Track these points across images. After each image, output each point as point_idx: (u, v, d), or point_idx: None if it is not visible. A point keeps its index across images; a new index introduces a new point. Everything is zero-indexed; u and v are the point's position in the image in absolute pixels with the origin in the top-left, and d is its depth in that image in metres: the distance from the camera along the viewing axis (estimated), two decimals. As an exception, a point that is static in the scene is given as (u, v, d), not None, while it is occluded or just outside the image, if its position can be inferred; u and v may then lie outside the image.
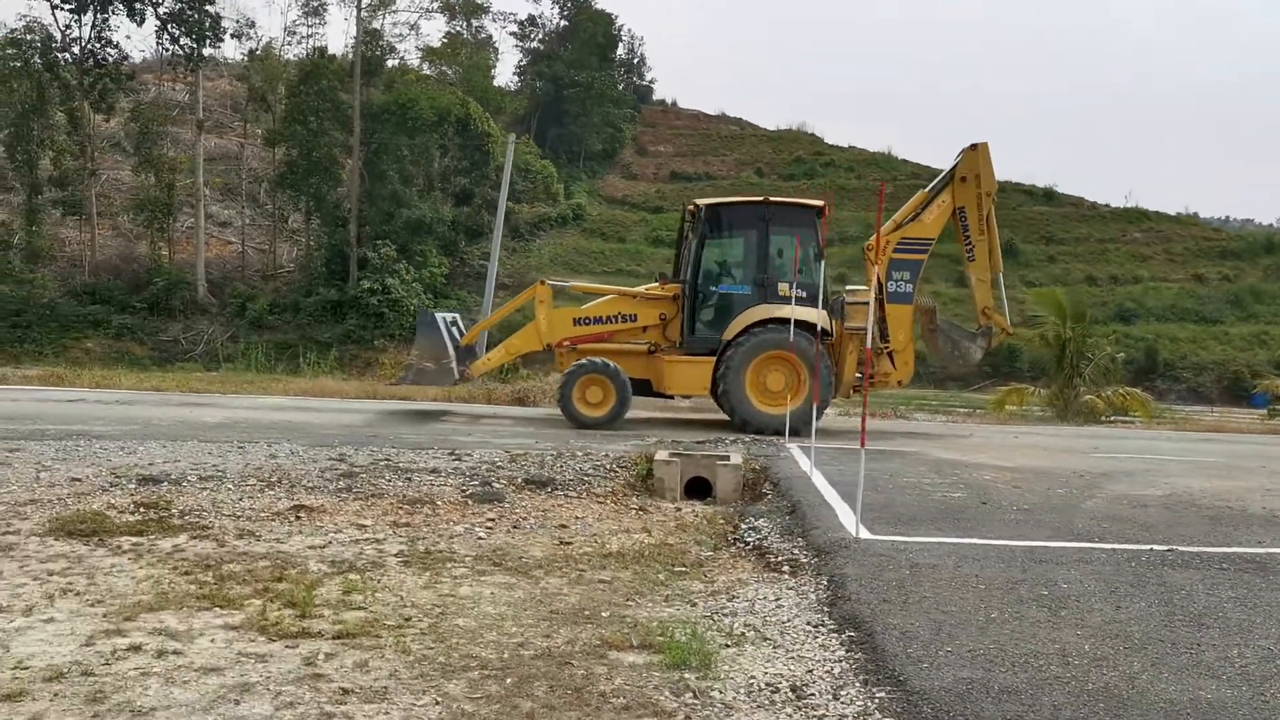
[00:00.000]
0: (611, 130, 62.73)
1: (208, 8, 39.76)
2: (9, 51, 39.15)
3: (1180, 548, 6.81)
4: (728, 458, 10.25)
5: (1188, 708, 4.05)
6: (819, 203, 14.02)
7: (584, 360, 13.36)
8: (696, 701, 4.29)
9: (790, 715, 4.13)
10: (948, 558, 6.37)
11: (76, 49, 39.99)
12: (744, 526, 7.98)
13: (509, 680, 4.48)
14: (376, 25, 48.65)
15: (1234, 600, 5.63)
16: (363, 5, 45.23)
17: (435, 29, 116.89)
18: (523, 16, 70.68)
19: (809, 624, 5.30)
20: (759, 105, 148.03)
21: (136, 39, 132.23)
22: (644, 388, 13.95)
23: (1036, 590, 5.67)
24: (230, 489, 8.37)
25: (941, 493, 8.83)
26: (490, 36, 60.26)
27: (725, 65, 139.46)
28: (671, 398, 14.24)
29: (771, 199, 14.09)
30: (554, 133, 59.81)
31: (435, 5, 52.22)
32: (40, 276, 38.17)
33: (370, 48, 45.73)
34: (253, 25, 73.30)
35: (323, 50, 47.14)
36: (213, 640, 4.86)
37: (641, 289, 14.53)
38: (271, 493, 8.35)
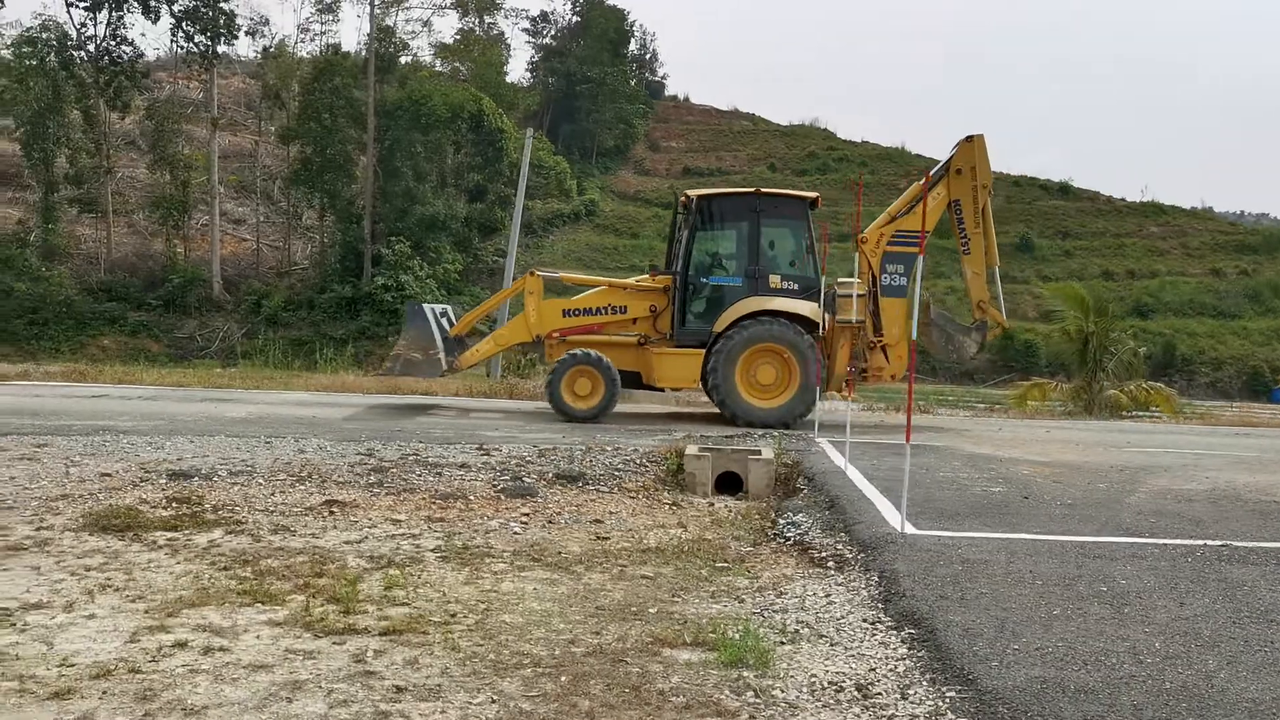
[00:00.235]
0: (624, 126, 62.66)
1: (222, 5, 39.80)
2: (25, 50, 39.23)
3: (1234, 543, 6.66)
4: (759, 452, 10.10)
5: (1272, 706, 3.91)
6: (812, 194, 13.82)
7: (572, 352, 13.18)
8: (759, 701, 4.16)
9: (858, 715, 4.00)
10: (998, 553, 6.23)
11: (92, 47, 40.05)
12: (782, 522, 7.85)
13: (564, 678, 4.36)
14: (389, 22, 48.69)
15: (1298, 596, 5.48)
16: (376, 2, 45.27)
17: (448, 25, 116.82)
18: (535, 13, 70.80)
19: (864, 621, 5.17)
20: (772, 101, 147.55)
21: (151, 37, 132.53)
22: (634, 380, 13.74)
23: (1095, 586, 5.52)
24: (261, 484, 8.28)
25: (981, 487, 8.68)
26: (502, 33, 60.45)
27: (738, 61, 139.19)
28: (662, 390, 14.04)
29: (763, 190, 13.85)
30: (566, 129, 59.75)
31: (448, 1, 52.30)
32: (57, 274, 38.24)
33: (383, 44, 45.70)
34: (266, 22, 73.44)
35: (336, 47, 47.22)
36: (258, 637, 4.76)
37: (632, 280, 14.36)
38: (303, 487, 8.25)
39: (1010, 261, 54.59)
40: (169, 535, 6.69)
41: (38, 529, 6.70)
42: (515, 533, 7.35)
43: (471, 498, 8.26)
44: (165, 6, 39.37)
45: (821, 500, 8.19)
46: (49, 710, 3.84)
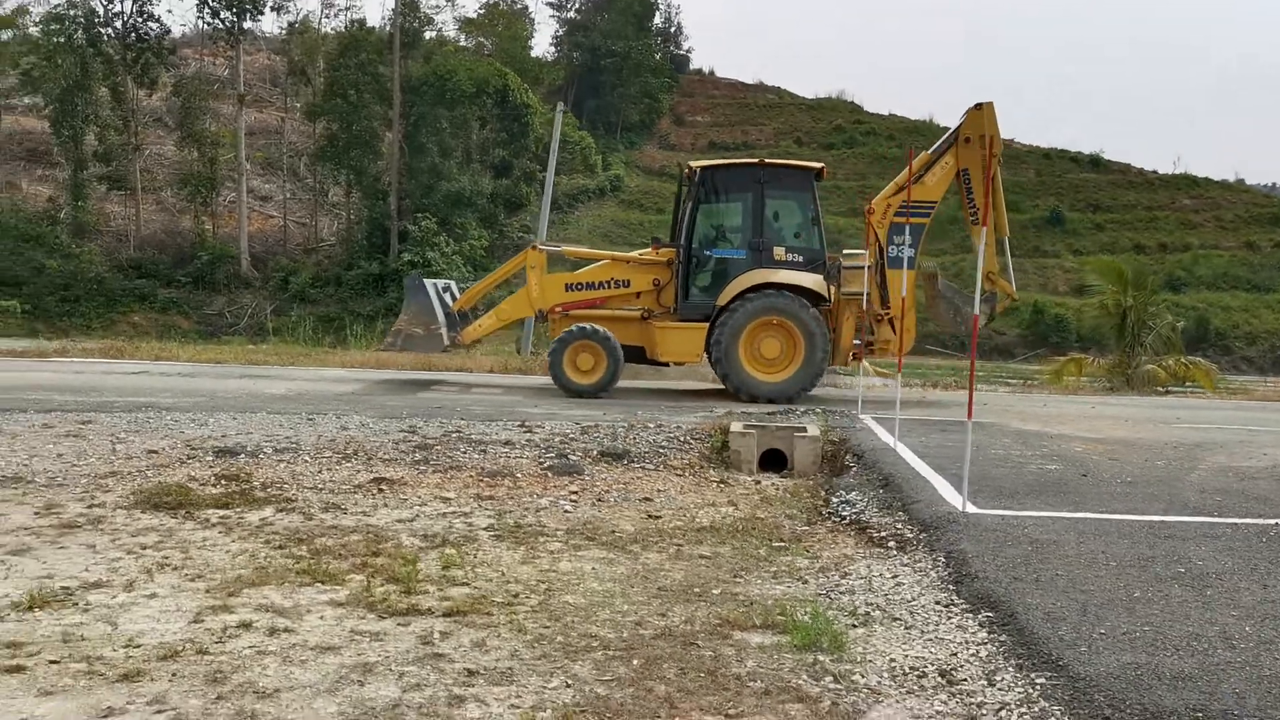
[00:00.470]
0: (649, 100, 62.17)
1: (247, -20, 39.66)
2: (53, 28, 39.34)
3: (1307, 522, 6.47)
4: (804, 429, 9.97)
5: (1378, 695, 3.76)
6: (817, 165, 13.53)
7: (574, 327, 12.99)
8: (840, 686, 4.05)
9: (945, 702, 3.88)
10: (1066, 533, 6.07)
11: (119, 24, 40.07)
12: (835, 500, 7.72)
13: (635, 661, 4.26)
14: (414, -3, 48.32)
15: (1382, 578, 5.30)
16: (400, -24, 44.96)
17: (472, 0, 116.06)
18: (559, -14, 69.90)
19: (937, 603, 5.04)
20: (798, 74, 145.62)
21: (177, 13, 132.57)
22: (638, 355, 13.52)
23: (1172, 568, 5.37)
24: (308, 461, 8.22)
25: (1036, 465, 8.52)
26: (526, 7, 60.11)
27: (761, 35, 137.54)
28: (666, 365, 13.87)
29: (767, 160, 13.59)
30: (591, 103, 59.31)
31: (472, -25, 51.84)
32: (87, 251, 38.45)
33: (408, 19, 45.44)
34: (290, -2, 73.04)
35: (361, 22, 47.06)
36: (322, 617, 4.69)
37: (635, 254, 14.14)
38: (349, 465, 8.19)
39: (1041, 235, 54.04)
40: (221, 513, 6.64)
41: (90, 506, 6.67)
42: (566, 511, 7.26)
43: (519, 475, 8.18)
44: (191, -18, 39.27)
45: (874, 478, 8.05)
46: (119, 692, 3.77)
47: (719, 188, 13.43)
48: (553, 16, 65.43)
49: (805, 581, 5.65)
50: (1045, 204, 55.84)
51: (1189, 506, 6.95)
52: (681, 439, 9.81)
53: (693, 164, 13.57)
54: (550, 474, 8.31)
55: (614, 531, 6.69)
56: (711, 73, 72.75)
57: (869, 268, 12.89)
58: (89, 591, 4.94)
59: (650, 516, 7.23)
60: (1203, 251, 53.42)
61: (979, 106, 12.98)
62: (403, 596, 5.00)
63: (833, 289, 12.96)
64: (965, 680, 4.06)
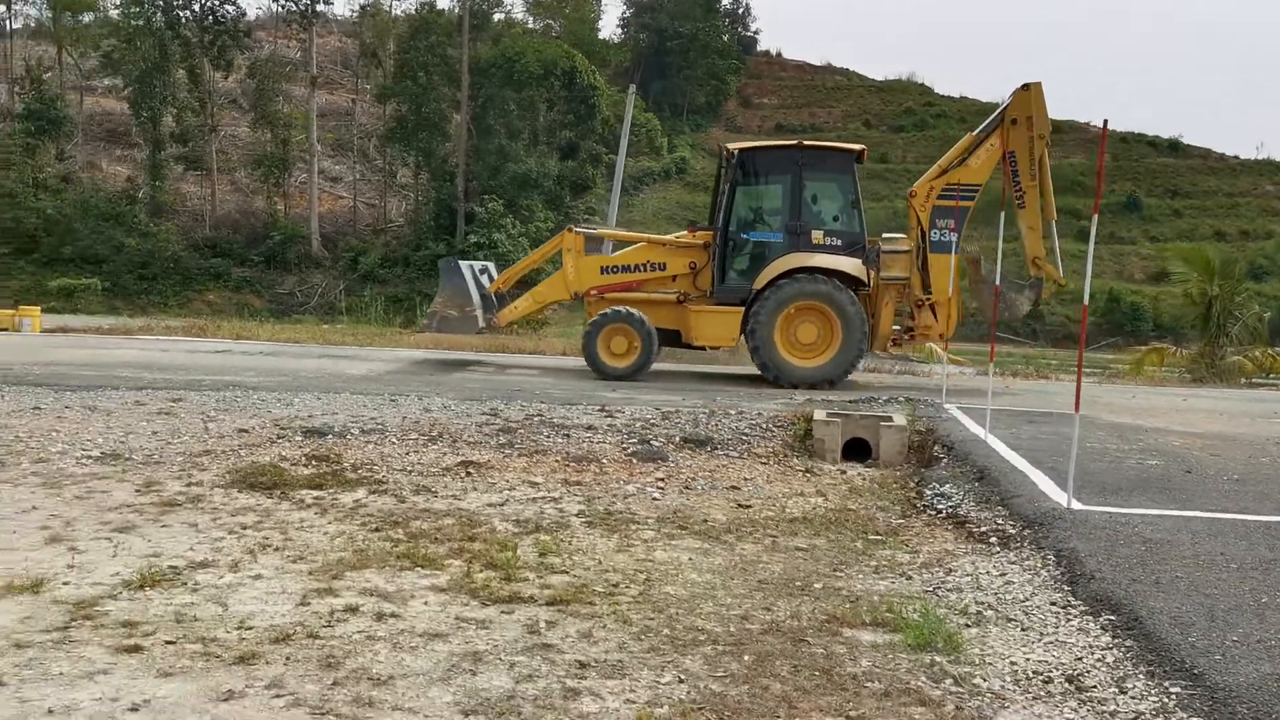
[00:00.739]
0: (716, 82, 61.70)
1: (321, -36, 40.04)
2: (132, 10, 40.11)
3: None
4: (890, 419, 9.77)
5: None
6: (857, 147, 13.23)
7: (609, 309, 12.90)
8: (961, 690, 3.92)
9: (1075, 709, 3.73)
10: (1179, 533, 5.84)
11: (196, 7, 40.75)
12: (929, 493, 7.54)
13: (746, 657, 4.18)
14: (483, -22, 48.43)
15: None
16: (470, -42, 45.06)
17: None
18: (626, -33, 69.52)
19: (1053, 604, 4.86)
20: (867, 55, 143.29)
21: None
22: (674, 338, 13.39)
23: (1299, 572, 5.13)
24: (394, 443, 8.26)
25: (1135, 459, 8.24)
26: (594, -12, 59.67)
27: (832, 13, 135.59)
28: (702, 349, 13.67)
29: (805, 143, 13.37)
30: (657, 85, 59.01)
31: (541, -43, 51.82)
32: (164, 230, 39.30)
33: (477, 1, 45.57)
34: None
35: (431, 5, 47.26)
36: (426, 603, 4.67)
37: (671, 237, 13.99)
38: (436, 447, 8.21)
39: (1117, 221, 52.67)
40: (315, 494, 6.69)
41: (188, 485, 6.75)
42: (654, 498, 7.20)
43: (604, 461, 8.12)
44: (266, -34, 39.80)
45: (968, 471, 7.85)
46: (237, 675, 3.78)
47: (757, 170, 13.26)
48: (620, -2, 65.18)
49: (909, 578, 5.50)
50: (1122, 189, 54.39)
51: (1305, 507, 6.65)
52: (763, 426, 9.68)
53: (730, 146, 13.38)
54: (635, 460, 8.24)
55: (705, 521, 6.61)
56: (779, 54, 71.98)
57: (910, 252, 12.62)
58: (196, 571, 4.98)
59: (740, 506, 7.14)
60: (1287, 239, 51.67)
61: (1026, 87, 12.58)
62: (503, 583, 4.97)
63: (872, 274, 12.71)
64: (1095, 687, 3.90)
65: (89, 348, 14.82)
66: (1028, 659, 4.21)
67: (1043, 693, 3.89)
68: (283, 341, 17.08)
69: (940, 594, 5.18)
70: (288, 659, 3.94)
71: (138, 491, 6.54)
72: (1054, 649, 4.31)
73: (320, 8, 43.26)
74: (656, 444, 8.79)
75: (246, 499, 6.48)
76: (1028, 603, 4.93)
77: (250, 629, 4.24)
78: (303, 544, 5.53)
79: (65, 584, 4.73)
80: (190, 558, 5.19)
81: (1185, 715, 3.60)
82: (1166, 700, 3.72)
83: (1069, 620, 4.64)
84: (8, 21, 46.45)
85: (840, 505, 7.32)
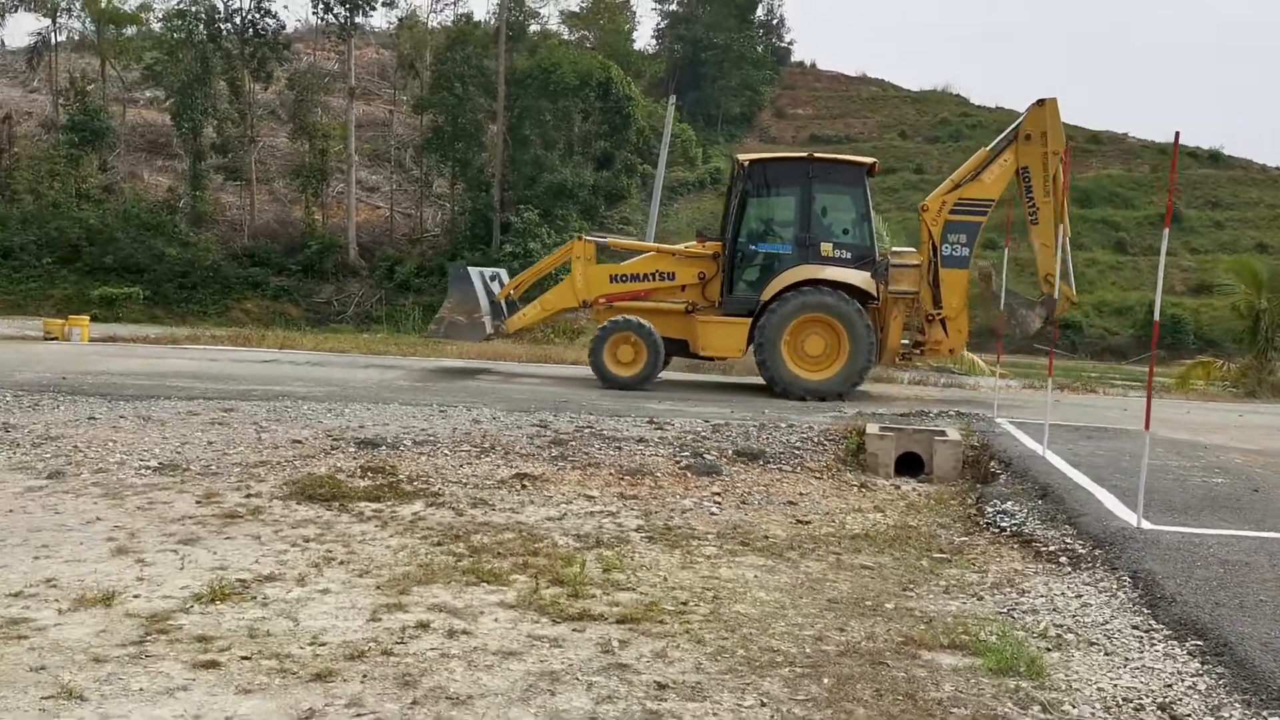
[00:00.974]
0: (750, 93, 61.51)
1: (360, -24, 40.43)
2: (175, 23, 40.63)
3: None
4: (944, 433, 9.65)
5: None
6: (868, 160, 13.16)
7: (616, 318, 12.87)
8: (1050, 717, 3.81)
9: (1172, 739, 3.62)
10: (1257, 554, 5.70)
11: (238, 19, 41.22)
12: (991, 510, 7.41)
13: (826, 680, 4.09)
14: (519, -10, 48.68)
15: None
16: (506, -30, 45.32)
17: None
18: (660, -22, 69.70)
19: (1134, 628, 4.74)
20: (902, 66, 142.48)
21: (291, 9, 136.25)
22: (681, 348, 13.36)
23: (1388, 598, 4.97)
24: (447, 454, 8.24)
25: (1199, 477, 8.07)
26: (629, -1, 59.84)
27: (867, 23, 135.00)
28: (710, 360, 13.62)
29: (816, 155, 13.36)
30: (691, 95, 58.90)
31: (577, -31, 52.05)
32: (204, 239, 39.68)
33: (514, 13, 45.80)
34: (396, -7, 74.38)
35: (468, 16, 47.63)
36: (496, 620, 4.63)
37: (681, 246, 13.93)
38: (489, 460, 8.18)
39: (1157, 233, 51.99)
40: (373, 506, 6.68)
41: (247, 496, 6.77)
42: (712, 513, 7.13)
43: (658, 474, 8.07)
44: (306, -22, 40.25)
45: (1029, 488, 7.71)
46: (314, 693, 3.75)
47: (767, 182, 13.24)
48: (654, 9, 65.45)
49: (981, 598, 5.40)
50: (1160, 201, 53.70)
51: (1383, 529, 6.47)
52: (815, 440, 9.58)
53: (741, 157, 13.36)
54: (689, 473, 8.19)
55: (766, 537, 6.53)
56: (813, 65, 71.71)
57: (920, 266, 12.49)
58: (264, 585, 4.97)
59: (799, 522, 7.06)
60: (1332, 252, 50.76)
61: (1041, 102, 12.44)
62: (571, 600, 4.92)
63: (881, 287, 12.60)
64: (1189, 715, 3.79)
65: (139, 357, 14.96)
66: (1115, 685, 4.10)
67: (1136, 721, 3.78)
68: (326, 351, 17.17)
69: (1015, 615, 5.07)
70: (364, 676, 3.90)
71: (198, 503, 6.56)
72: (1141, 675, 4.20)
73: (359, 20, 43.64)
74: (709, 457, 8.72)
75: (306, 511, 6.48)
76: (1107, 626, 4.81)
77: (324, 645, 4.21)
78: (366, 557, 5.52)
79: (136, 596, 4.73)
80: (257, 570, 5.18)
81: (1290, 748, 3.48)
82: (1268, 731, 3.61)
83: (1153, 645, 4.52)
84: (53, 35, 47.14)
85: (900, 522, 7.22)
